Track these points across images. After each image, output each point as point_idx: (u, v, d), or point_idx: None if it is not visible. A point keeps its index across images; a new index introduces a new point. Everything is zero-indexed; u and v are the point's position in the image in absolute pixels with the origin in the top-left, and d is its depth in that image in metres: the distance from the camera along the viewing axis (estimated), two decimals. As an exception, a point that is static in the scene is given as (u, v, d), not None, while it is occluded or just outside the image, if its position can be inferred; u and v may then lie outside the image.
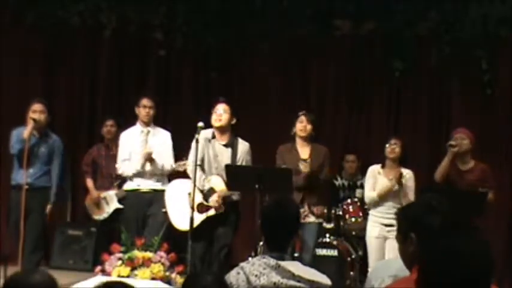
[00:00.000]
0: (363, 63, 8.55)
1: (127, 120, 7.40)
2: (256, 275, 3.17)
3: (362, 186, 7.16)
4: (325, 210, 6.85)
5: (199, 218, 6.06)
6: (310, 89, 8.80)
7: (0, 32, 8.84)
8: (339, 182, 8.06)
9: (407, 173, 6.45)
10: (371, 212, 6.60)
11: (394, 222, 6.28)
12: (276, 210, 3.39)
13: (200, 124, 5.95)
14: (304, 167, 6.33)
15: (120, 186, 7.55)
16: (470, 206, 5.58)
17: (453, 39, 8.09)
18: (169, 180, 6.76)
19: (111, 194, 7.79)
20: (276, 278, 3.15)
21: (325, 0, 8.51)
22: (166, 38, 8.76)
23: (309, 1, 8.50)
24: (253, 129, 7.68)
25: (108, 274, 5.49)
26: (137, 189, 6.82)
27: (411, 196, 6.35)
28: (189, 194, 5.99)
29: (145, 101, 6.91)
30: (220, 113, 6.26)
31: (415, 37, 8.25)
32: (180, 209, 6.22)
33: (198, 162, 6.07)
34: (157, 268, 5.48)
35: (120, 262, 5.54)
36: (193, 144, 6.07)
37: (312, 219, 6.40)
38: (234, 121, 6.33)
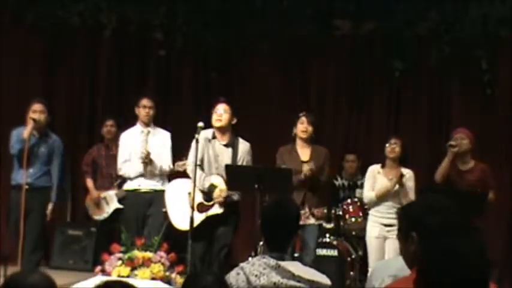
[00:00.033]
0: (363, 63, 8.55)
1: (127, 120, 7.40)
2: (256, 275, 3.16)
3: (362, 186, 7.16)
4: (325, 211, 6.85)
5: (199, 217, 6.07)
6: (310, 89, 8.80)
7: (0, 32, 8.84)
8: (339, 182, 8.06)
9: (408, 173, 6.46)
10: (371, 212, 6.60)
11: (394, 222, 6.30)
12: (276, 210, 3.39)
13: (200, 124, 5.95)
14: (306, 170, 6.29)
15: (120, 186, 7.55)
16: (471, 206, 5.58)
17: (453, 39, 8.09)
18: (170, 180, 6.76)
19: (111, 194, 7.79)
20: (276, 278, 3.15)
21: (325, 0, 8.51)
22: (166, 38, 8.76)
23: (309, 1, 8.50)
24: (253, 129, 7.68)
25: (108, 274, 5.48)
26: (137, 189, 6.82)
27: (412, 196, 6.35)
28: (189, 193, 5.99)
29: (145, 101, 6.91)
30: (221, 113, 6.26)
31: (415, 37, 8.26)
32: (180, 208, 6.22)
33: (198, 163, 6.07)
34: (157, 268, 5.48)
35: (120, 262, 5.54)
36: (193, 144, 6.07)
37: (312, 221, 6.39)
38: (234, 121, 6.32)
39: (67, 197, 8.43)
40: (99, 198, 7.89)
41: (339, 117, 8.68)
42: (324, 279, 3.26)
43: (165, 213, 6.50)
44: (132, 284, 2.46)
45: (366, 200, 6.78)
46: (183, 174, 6.51)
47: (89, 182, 8.07)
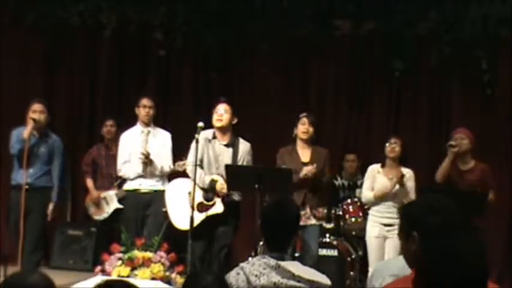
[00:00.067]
0: (363, 63, 8.55)
1: (127, 120, 7.41)
2: (256, 275, 3.16)
3: (362, 186, 7.17)
4: (325, 211, 6.85)
5: (199, 217, 6.07)
6: (310, 89, 8.80)
7: (0, 32, 8.84)
8: (339, 182, 8.06)
9: (408, 172, 6.46)
10: (371, 211, 6.60)
11: (393, 222, 6.31)
12: (276, 210, 3.39)
13: (200, 124, 5.95)
14: (308, 171, 6.26)
15: (120, 186, 7.55)
16: (471, 207, 5.58)
17: (453, 39, 8.09)
18: (170, 180, 6.76)
19: (111, 194, 7.79)
20: (276, 278, 3.15)
21: (325, 0, 8.51)
22: (166, 38, 8.76)
23: (309, 1, 8.50)
24: (253, 129, 7.68)
25: (108, 274, 5.48)
26: (137, 189, 6.82)
27: (412, 196, 6.35)
28: (189, 193, 5.99)
29: (145, 101, 6.91)
30: (221, 113, 6.26)
31: (415, 37, 8.26)
32: (180, 208, 6.22)
33: (198, 163, 6.07)
34: (157, 268, 5.48)
35: (120, 262, 5.54)
36: (193, 144, 6.07)
37: (313, 221, 6.39)
38: (235, 121, 6.32)
39: (67, 197, 8.43)
40: (99, 198, 7.89)
41: (339, 117, 8.68)
42: (324, 279, 3.26)
43: (165, 212, 6.51)
44: (133, 283, 2.46)
45: (363, 200, 6.80)
46: (183, 174, 6.51)
47: (89, 182, 8.07)
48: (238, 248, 7.09)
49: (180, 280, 5.47)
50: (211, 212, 6.17)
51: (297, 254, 6.34)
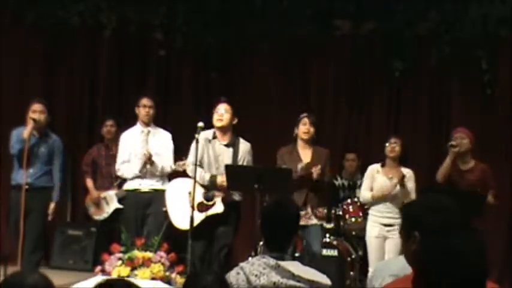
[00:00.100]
0: (363, 63, 8.55)
1: (127, 120, 7.41)
2: (256, 275, 3.16)
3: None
4: (325, 211, 6.85)
5: (199, 217, 6.07)
6: (310, 89, 8.80)
7: (0, 32, 8.84)
8: (339, 182, 8.06)
9: (408, 172, 6.46)
10: (371, 211, 6.60)
11: (393, 222, 6.31)
12: (276, 210, 3.39)
13: (200, 124, 5.95)
14: (315, 172, 6.25)
15: (120, 186, 7.55)
16: (470, 207, 5.58)
17: (453, 39, 8.09)
18: (170, 180, 6.76)
19: (111, 194, 7.79)
20: (275, 277, 3.15)
21: (325, 0, 8.51)
22: (166, 38, 8.76)
23: (309, 1, 8.50)
24: (253, 129, 7.67)
25: (108, 274, 5.48)
26: (137, 189, 6.81)
27: (413, 196, 6.36)
28: (189, 193, 5.99)
29: (145, 101, 6.91)
30: (222, 113, 6.26)
31: (415, 37, 8.26)
32: (181, 208, 6.22)
33: (198, 163, 6.06)
34: (157, 268, 5.48)
35: (120, 262, 5.54)
36: (193, 144, 6.07)
37: (314, 221, 6.39)
38: (235, 121, 6.32)
39: (67, 197, 8.43)
40: (99, 198, 7.88)
41: (339, 117, 8.68)
42: (324, 279, 3.26)
43: (166, 212, 6.50)
44: (133, 283, 2.46)
45: (361, 200, 6.81)
46: (183, 174, 6.51)
47: (89, 182, 8.06)
48: (238, 248, 7.08)
49: (180, 280, 5.47)
50: (211, 211, 6.17)
51: (297, 254, 6.33)
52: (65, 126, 8.61)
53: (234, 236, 6.31)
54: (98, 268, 5.69)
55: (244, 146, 6.34)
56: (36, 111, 6.56)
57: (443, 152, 6.75)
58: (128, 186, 6.94)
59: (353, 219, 7.38)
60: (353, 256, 7.19)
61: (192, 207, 5.79)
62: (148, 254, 5.55)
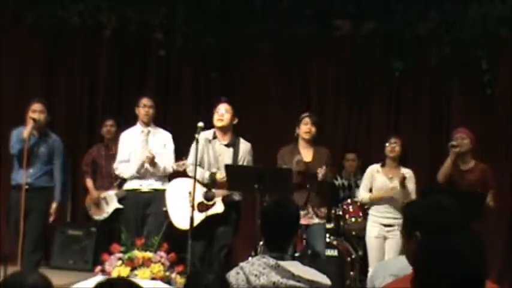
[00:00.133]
0: (363, 63, 8.55)
1: (127, 120, 7.40)
2: (255, 275, 3.16)
3: (361, 186, 7.18)
4: (326, 211, 6.85)
5: (199, 217, 6.07)
6: (310, 89, 8.80)
7: (0, 32, 8.84)
8: (339, 182, 8.06)
9: (407, 173, 6.46)
10: (371, 212, 6.60)
11: (393, 222, 6.32)
12: (276, 210, 3.39)
13: (200, 124, 5.95)
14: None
15: (120, 186, 7.55)
16: (470, 207, 5.57)
17: (453, 39, 8.09)
18: (170, 180, 6.75)
19: (111, 194, 7.79)
20: (275, 277, 3.15)
21: (325, 0, 8.51)
22: (166, 38, 8.76)
23: (309, 1, 8.50)
24: (254, 129, 7.67)
25: (108, 274, 5.48)
26: (137, 189, 6.81)
27: (413, 196, 6.36)
28: (190, 193, 5.99)
29: (145, 101, 6.90)
30: (222, 113, 6.26)
31: (415, 37, 8.26)
32: (181, 208, 6.22)
33: (198, 163, 6.06)
34: (157, 268, 5.48)
35: (120, 262, 5.53)
36: (193, 144, 6.07)
37: (316, 220, 6.39)
38: (235, 121, 6.32)
39: (67, 197, 8.43)
40: (99, 198, 7.88)
41: (339, 117, 8.68)
42: (324, 279, 3.26)
43: (166, 212, 6.50)
44: (134, 282, 2.46)
45: (359, 200, 6.81)
46: (184, 174, 6.51)
47: (89, 182, 8.06)
48: (238, 248, 7.08)
49: (180, 280, 5.46)
50: (211, 211, 6.17)
51: (297, 254, 6.34)
52: (65, 126, 8.61)
53: (234, 236, 6.31)
54: (98, 268, 5.68)
55: (244, 146, 6.34)
56: (36, 111, 6.56)
57: (443, 152, 6.76)
58: (128, 186, 6.93)
59: (353, 219, 7.38)
60: (353, 256, 7.19)
61: (192, 207, 5.79)
62: (148, 254, 5.55)
